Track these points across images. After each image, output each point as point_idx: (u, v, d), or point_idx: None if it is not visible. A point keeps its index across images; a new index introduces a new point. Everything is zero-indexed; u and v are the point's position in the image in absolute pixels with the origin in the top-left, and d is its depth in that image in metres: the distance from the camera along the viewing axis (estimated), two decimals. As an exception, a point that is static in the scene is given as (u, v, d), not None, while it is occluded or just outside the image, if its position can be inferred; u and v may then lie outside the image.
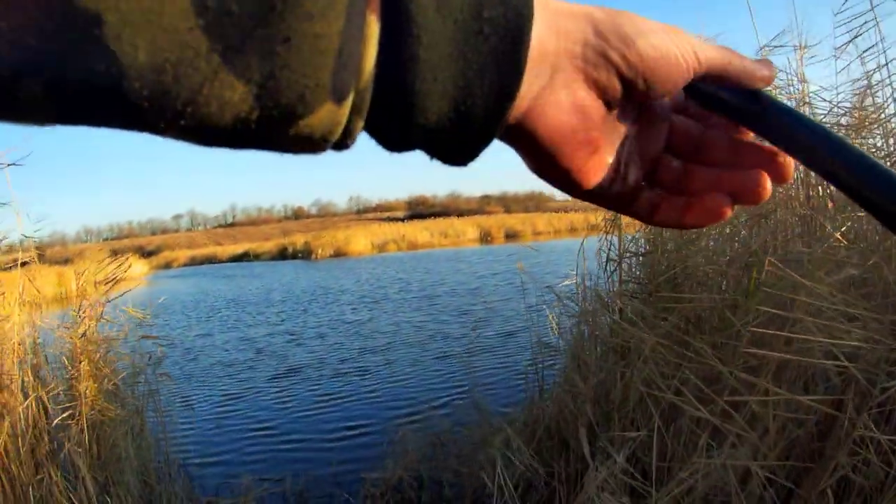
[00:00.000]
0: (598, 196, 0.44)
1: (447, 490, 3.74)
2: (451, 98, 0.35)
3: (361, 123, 0.35)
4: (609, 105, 0.41)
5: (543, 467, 3.26)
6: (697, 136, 0.46)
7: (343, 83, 0.32)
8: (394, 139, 0.38)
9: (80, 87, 0.28)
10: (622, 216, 3.26)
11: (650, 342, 2.73)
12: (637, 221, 3.31)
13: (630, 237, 3.34)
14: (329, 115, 0.32)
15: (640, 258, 3.31)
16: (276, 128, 0.33)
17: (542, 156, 0.41)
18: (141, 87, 0.28)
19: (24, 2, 0.26)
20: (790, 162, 0.44)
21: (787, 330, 2.15)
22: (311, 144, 0.35)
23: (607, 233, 3.33)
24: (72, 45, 0.27)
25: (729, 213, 0.44)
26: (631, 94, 0.40)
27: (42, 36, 0.26)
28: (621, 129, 0.43)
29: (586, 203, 0.50)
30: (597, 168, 0.42)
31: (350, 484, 4.13)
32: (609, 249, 3.33)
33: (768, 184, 0.43)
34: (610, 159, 0.43)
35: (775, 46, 3.09)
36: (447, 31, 0.34)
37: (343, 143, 0.36)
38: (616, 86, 0.39)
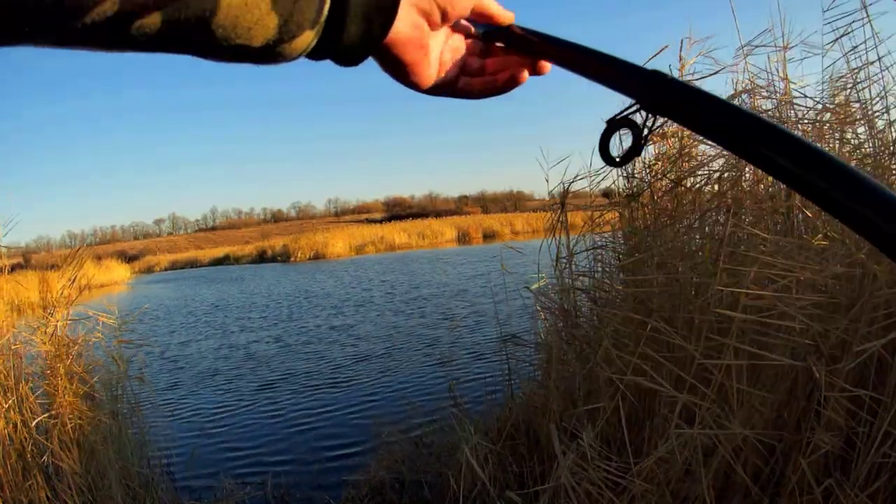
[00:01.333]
0: (435, 86, 0.69)
1: (427, 491, 3.77)
2: (364, 20, 0.57)
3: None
4: (431, 24, 0.63)
5: (516, 465, 3.31)
6: (485, 47, 0.74)
7: None
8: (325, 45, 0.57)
9: None
10: (567, 218, 3.35)
11: (610, 327, 2.79)
12: (580, 222, 3.42)
13: (576, 237, 3.39)
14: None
15: (590, 253, 3.37)
16: None
17: (392, 58, 0.63)
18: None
19: None
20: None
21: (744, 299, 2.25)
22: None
23: (556, 233, 3.37)
24: None
25: (524, 76, 0.74)
26: (443, 18, 0.64)
27: None
28: (439, 39, 0.68)
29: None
30: (427, 64, 0.65)
31: (331, 486, 4.17)
32: (559, 249, 3.37)
33: (525, 74, 0.74)
34: (435, 55, 0.67)
35: (756, 46, 3.12)
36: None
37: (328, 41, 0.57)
38: (436, 12, 0.62)
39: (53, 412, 3.39)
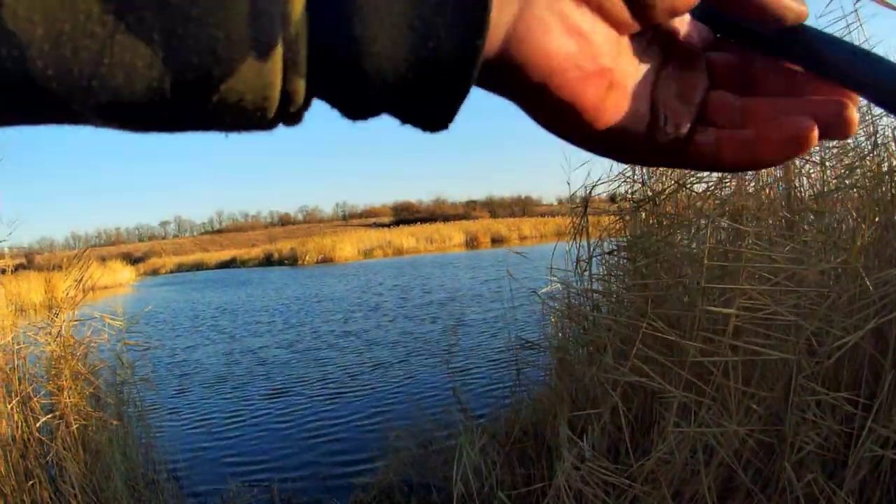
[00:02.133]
0: (635, 146, 0.37)
1: (435, 494, 3.74)
2: (406, 38, 0.28)
3: (303, 83, 0.29)
4: (617, 28, 0.33)
5: (524, 468, 3.28)
6: (745, 69, 0.38)
7: (265, 33, 0.26)
8: (351, 101, 0.31)
9: None
10: (589, 221, 3.32)
11: (618, 330, 2.79)
12: (599, 226, 3.39)
13: (595, 241, 3.38)
14: (255, 74, 0.27)
15: (607, 257, 3.36)
16: (196, 96, 0.28)
17: (542, 96, 0.33)
18: (45, 65, 0.25)
19: None
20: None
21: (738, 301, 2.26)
22: (248, 115, 0.29)
23: (577, 237, 3.37)
24: None
25: (814, 136, 0.34)
26: (638, 12, 0.33)
27: None
28: (645, 60, 0.36)
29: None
30: (618, 106, 0.35)
31: (339, 490, 4.13)
32: (578, 252, 3.36)
33: (853, 113, 0.34)
34: (635, 96, 0.35)
35: None
36: None
37: (289, 113, 0.30)
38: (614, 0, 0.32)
39: (58, 413, 3.37)
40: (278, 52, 0.27)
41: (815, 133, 0.34)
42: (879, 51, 2.70)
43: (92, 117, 0.28)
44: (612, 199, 3.62)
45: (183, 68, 0.26)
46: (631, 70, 0.35)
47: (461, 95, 0.31)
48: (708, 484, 2.32)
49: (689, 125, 0.37)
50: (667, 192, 3.16)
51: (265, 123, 0.30)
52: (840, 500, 2.14)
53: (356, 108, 0.32)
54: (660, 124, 0.36)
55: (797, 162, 2.87)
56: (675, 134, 0.36)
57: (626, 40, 0.35)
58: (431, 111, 0.32)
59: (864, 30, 2.74)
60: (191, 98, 0.27)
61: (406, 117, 0.32)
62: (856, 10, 2.70)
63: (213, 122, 0.30)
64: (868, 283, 2.22)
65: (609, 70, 0.34)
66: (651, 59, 0.36)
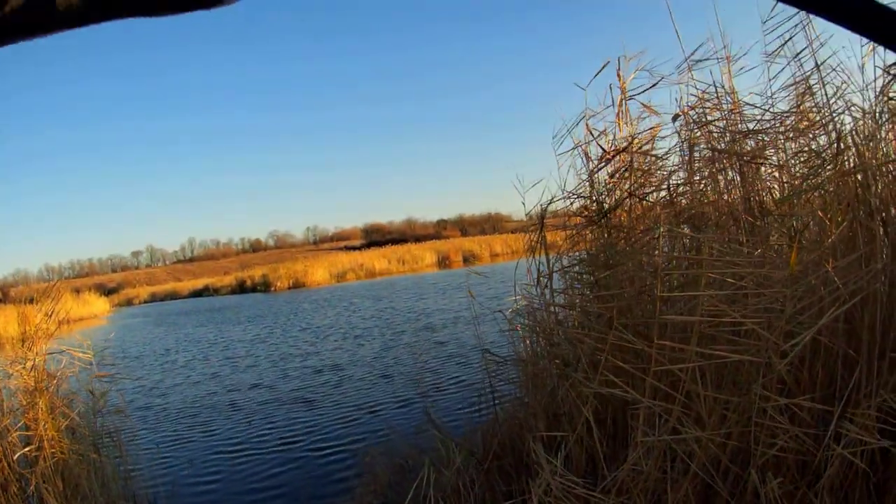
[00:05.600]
0: None
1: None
2: None
3: None
4: None
5: (504, 483, 3.31)
6: None
7: None
8: None
9: None
10: (547, 237, 3.38)
11: (586, 343, 2.83)
12: (563, 241, 3.44)
13: (555, 256, 3.43)
14: None
15: (566, 271, 3.40)
16: None
17: None
18: None
19: None
20: None
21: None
22: None
23: (536, 253, 3.41)
24: None
25: None
26: None
27: None
28: None
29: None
30: None
31: (317, 514, 4.15)
32: (539, 267, 3.40)
33: None
34: None
35: (699, 60, 3.19)
36: None
37: None
38: None
39: (35, 445, 3.37)
40: None
41: None
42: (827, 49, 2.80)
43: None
44: (580, 213, 3.68)
45: None
46: None
47: None
48: (685, 493, 2.37)
49: None
50: (620, 202, 3.22)
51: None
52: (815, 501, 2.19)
53: None
54: None
55: (755, 167, 2.94)
56: None
57: None
58: None
59: (814, 28, 2.83)
60: None
61: None
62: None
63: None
64: (836, 279, 2.29)
65: None
66: None
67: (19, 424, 3.46)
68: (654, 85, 3.18)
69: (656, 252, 2.90)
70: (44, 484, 3.25)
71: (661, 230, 2.82)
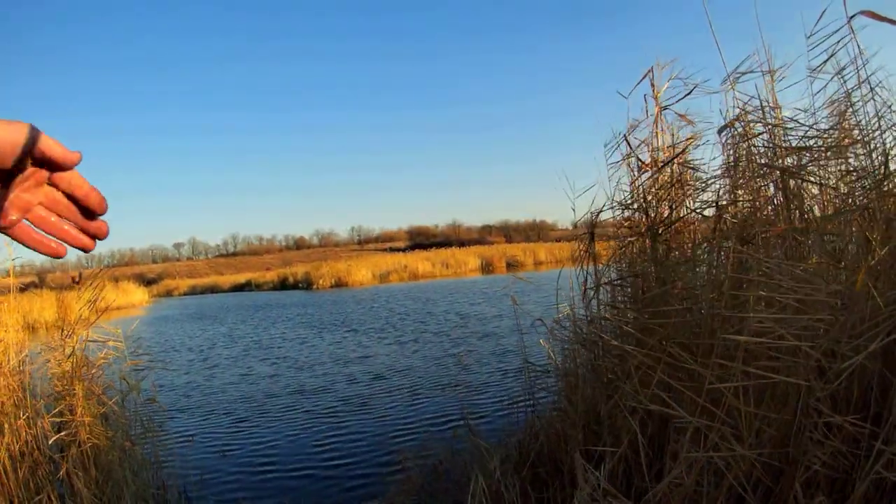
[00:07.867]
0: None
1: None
2: None
3: None
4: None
5: (536, 493, 3.25)
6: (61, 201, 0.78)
7: None
8: None
9: None
10: (596, 247, 3.31)
11: (636, 359, 2.77)
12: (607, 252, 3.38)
13: (603, 267, 3.36)
14: None
15: (615, 285, 3.33)
16: None
17: None
18: None
19: None
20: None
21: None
22: None
23: (584, 264, 3.34)
24: None
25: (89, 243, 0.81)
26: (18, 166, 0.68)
27: None
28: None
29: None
30: None
31: (351, 512, 4.11)
32: (586, 278, 3.33)
33: (105, 227, 0.82)
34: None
35: (743, 73, 3.09)
36: None
37: None
38: None
39: (70, 431, 3.38)
40: None
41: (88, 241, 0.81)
42: (873, 64, 2.71)
43: None
44: (629, 226, 3.60)
45: None
46: None
47: None
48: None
49: (19, 218, 0.74)
50: (673, 218, 3.14)
51: None
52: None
53: None
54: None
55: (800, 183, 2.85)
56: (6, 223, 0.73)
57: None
58: None
59: (857, 42, 2.70)
60: None
61: None
62: (849, 22, 2.67)
63: None
64: (880, 302, 2.21)
65: None
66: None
67: (55, 411, 3.46)
68: (688, 93, 3.14)
69: (714, 269, 2.84)
70: (74, 469, 3.24)
71: (727, 244, 2.75)
